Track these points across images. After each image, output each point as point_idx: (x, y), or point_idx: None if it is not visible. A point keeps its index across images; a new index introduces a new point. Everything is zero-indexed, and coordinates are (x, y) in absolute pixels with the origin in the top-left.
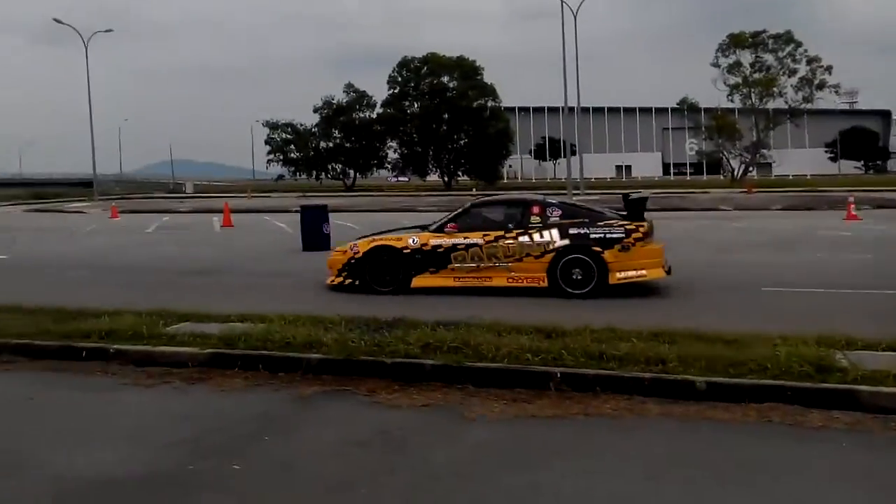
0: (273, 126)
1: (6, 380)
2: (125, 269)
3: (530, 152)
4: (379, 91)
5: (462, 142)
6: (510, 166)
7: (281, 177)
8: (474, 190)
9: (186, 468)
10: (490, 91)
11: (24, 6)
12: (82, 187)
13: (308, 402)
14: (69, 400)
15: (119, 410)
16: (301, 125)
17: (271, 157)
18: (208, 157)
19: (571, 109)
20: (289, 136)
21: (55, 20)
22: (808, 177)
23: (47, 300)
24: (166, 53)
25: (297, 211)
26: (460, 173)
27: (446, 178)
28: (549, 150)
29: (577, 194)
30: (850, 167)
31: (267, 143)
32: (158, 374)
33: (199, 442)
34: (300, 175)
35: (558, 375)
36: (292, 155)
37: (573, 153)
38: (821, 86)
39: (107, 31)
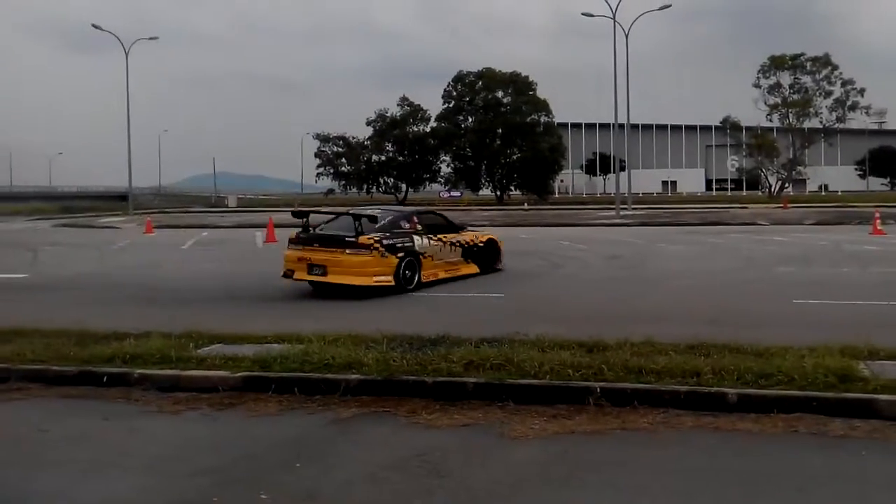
0: (324, 139)
1: (17, 409)
2: (156, 287)
3: (581, 167)
4: (433, 105)
5: (515, 157)
6: (562, 181)
7: (331, 191)
8: (526, 205)
9: (210, 500)
10: (543, 106)
11: (60, 10)
12: (117, 201)
13: (345, 425)
14: (85, 430)
15: (140, 440)
16: (353, 138)
17: (321, 170)
18: (254, 171)
19: (621, 126)
20: (340, 149)
21: (94, 26)
22: (840, 193)
23: (69, 322)
24: (209, 63)
25: None
26: (513, 188)
27: (498, 193)
28: (600, 165)
29: (625, 209)
30: (877, 184)
31: (317, 155)
32: (185, 399)
33: (225, 471)
34: (351, 189)
35: (598, 390)
36: (343, 168)
37: (622, 169)
38: (853, 107)
39: (151, 38)
